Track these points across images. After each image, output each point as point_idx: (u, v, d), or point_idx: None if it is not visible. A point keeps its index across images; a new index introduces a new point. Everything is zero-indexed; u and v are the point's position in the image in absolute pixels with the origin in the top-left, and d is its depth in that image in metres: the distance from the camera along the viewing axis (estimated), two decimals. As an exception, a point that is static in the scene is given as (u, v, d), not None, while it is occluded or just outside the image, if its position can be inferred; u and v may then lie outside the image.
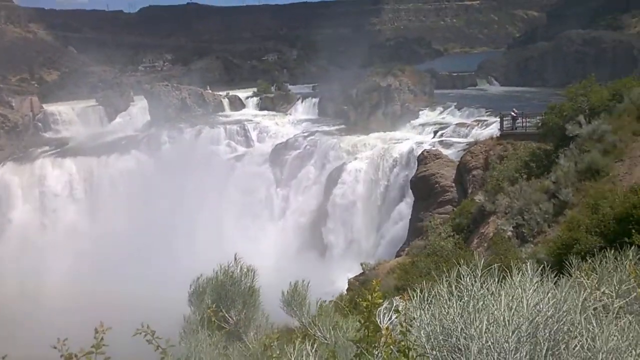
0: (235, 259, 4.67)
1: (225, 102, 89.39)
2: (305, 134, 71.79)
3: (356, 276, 16.45)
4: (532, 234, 11.02)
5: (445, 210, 24.29)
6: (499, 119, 28.20)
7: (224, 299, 4.47)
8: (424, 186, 26.24)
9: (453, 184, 25.87)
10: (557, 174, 12.41)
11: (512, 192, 12.86)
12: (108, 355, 3.50)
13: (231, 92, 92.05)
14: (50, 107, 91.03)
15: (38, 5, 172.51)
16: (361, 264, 14.63)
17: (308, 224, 60.87)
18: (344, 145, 64.78)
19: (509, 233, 12.32)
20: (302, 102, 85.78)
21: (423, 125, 66.60)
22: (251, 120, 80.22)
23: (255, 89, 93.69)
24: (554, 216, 9.64)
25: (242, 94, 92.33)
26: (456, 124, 60.49)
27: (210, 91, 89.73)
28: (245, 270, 4.59)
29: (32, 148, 78.79)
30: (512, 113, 27.87)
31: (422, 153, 30.27)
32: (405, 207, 48.03)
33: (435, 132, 60.89)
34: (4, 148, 76.26)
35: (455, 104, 71.91)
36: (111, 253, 57.21)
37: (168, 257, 52.64)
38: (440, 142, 55.89)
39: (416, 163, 34.37)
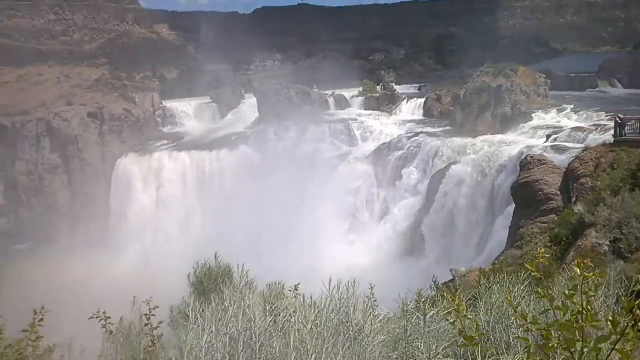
0: (215, 257, 5.12)
1: (331, 101, 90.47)
2: (410, 135, 70.89)
3: (445, 283, 15.96)
4: (630, 249, 10.05)
5: (548, 219, 22.77)
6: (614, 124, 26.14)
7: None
8: (525, 193, 24.83)
9: (558, 192, 24.20)
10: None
11: (613, 204, 11.83)
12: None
13: (337, 91, 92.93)
14: (169, 104, 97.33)
15: (162, 7, 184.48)
16: (451, 270, 14.15)
17: (408, 227, 60.10)
18: (449, 148, 63.16)
19: (605, 248, 11.33)
20: (407, 102, 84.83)
21: (535, 128, 63.14)
22: (355, 120, 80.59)
23: (361, 89, 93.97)
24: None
25: (347, 93, 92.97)
26: (572, 128, 56.71)
27: (316, 90, 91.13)
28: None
29: (152, 141, 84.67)
30: (617, 119, 25.61)
31: (525, 158, 28.66)
32: (511, 215, 45.99)
33: (549, 136, 57.50)
34: (127, 141, 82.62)
35: (572, 106, 67.51)
36: (217, 243, 60.02)
37: (268, 251, 54.38)
38: (553, 147, 52.72)
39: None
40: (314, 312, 4.15)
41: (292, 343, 3.62)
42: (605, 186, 14.22)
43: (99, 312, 5.49)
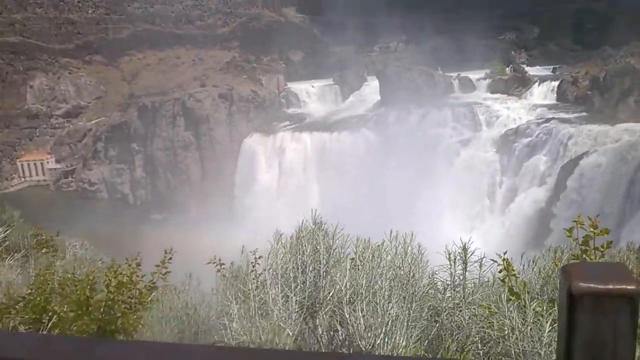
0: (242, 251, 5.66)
1: (456, 83, 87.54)
2: (540, 121, 66.74)
3: None
4: None
5: None
6: None
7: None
8: None
9: None
10: None
11: None
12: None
13: (462, 73, 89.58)
14: (293, 85, 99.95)
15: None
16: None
17: (533, 220, 56.96)
18: (584, 135, 58.57)
19: None
20: (539, 85, 79.55)
21: (688, 117, 56.69)
22: (481, 104, 77.36)
23: (488, 70, 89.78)
24: None
25: (473, 75, 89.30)
26: None
27: (441, 72, 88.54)
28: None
29: (276, 122, 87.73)
30: None
31: None
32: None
33: None
34: (253, 120, 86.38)
35: None
36: (331, 222, 61.25)
37: (383, 234, 54.30)
38: None
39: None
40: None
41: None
42: None
43: (215, 258, 7.17)
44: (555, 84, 77.01)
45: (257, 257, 6.03)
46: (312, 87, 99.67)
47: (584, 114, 66.46)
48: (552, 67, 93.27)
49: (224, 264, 6.65)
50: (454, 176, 65.63)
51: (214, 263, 7.06)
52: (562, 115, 67.42)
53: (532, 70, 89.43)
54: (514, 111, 73.22)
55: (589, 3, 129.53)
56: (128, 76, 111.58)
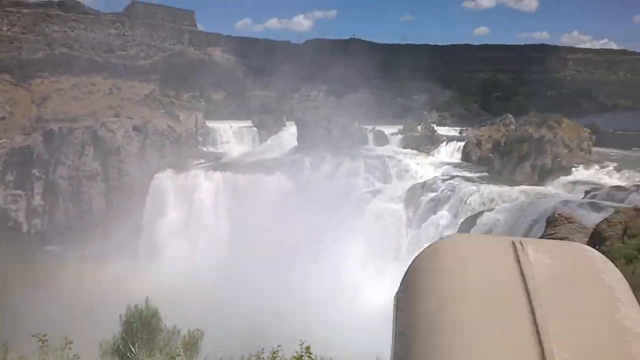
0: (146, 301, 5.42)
1: (370, 136, 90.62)
2: (445, 177, 70.09)
3: None
4: None
5: None
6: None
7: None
8: None
9: None
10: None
11: (625, 273, 11.24)
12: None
13: (377, 127, 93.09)
14: (211, 124, 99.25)
15: (218, 31, 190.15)
16: None
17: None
18: (483, 194, 62.13)
19: None
20: (446, 144, 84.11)
21: (574, 183, 61.65)
22: (392, 157, 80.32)
23: (401, 126, 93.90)
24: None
25: (387, 129, 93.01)
26: (612, 187, 54.96)
27: (357, 124, 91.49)
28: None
29: (190, 159, 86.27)
30: None
31: (552, 214, 27.85)
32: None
33: (587, 192, 55.89)
34: (167, 156, 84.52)
35: (615, 164, 65.69)
36: (241, 265, 60.48)
37: (289, 277, 54.33)
38: (591, 204, 51.06)
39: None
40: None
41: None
42: (619, 254, 13.60)
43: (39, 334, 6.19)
44: (461, 144, 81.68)
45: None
46: (231, 127, 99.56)
47: (485, 174, 70.68)
48: (459, 128, 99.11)
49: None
50: (362, 225, 67.03)
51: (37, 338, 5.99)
52: (466, 174, 71.31)
53: (441, 130, 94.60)
54: (423, 167, 76.59)
55: (495, 74, 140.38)
56: (38, 99, 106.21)
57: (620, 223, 21.71)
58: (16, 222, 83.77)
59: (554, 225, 26.99)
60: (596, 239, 22.68)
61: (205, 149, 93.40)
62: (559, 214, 28.00)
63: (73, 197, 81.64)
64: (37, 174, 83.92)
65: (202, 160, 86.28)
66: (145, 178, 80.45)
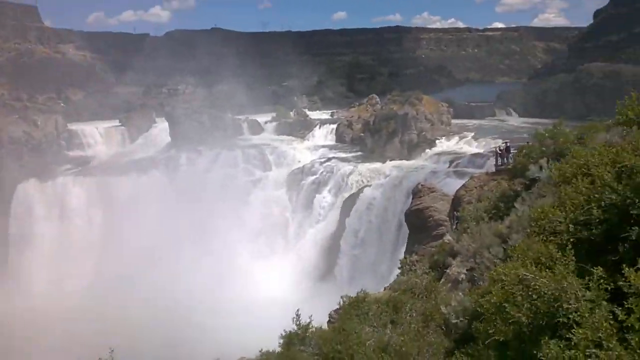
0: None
1: (245, 125, 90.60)
2: (322, 160, 72.36)
3: (336, 309, 16.70)
4: (482, 278, 11.06)
5: (437, 244, 24.08)
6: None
7: None
8: (417, 220, 26.22)
9: (447, 219, 25.86)
10: (511, 217, 12.43)
11: (473, 234, 12.91)
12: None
13: (250, 117, 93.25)
14: (74, 127, 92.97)
15: (68, 26, 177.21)
16: (341, 297, 14.82)
17: (322, 252, 61.00)
18: (360, 172, 65.16)
19: (462, 276, 12.32)
20: (319, 128, 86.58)
21: (439, 154, 66.70)
22: (269, 145, 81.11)
23: (274, 114, 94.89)
24: (503, 261, 9.67)
25: (261, 118, 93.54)
26: (472, 154, 60.42)
27: (230, 115, 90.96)
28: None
29: (55, 165, 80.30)
30: (497, 149, 27.57)
31: (416, 186, 30.40)
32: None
33: (451, 162, 60.91)
34: (27, 165, 77.95)
35: (472, 134, 72.01)
36: (123, 271, 58.17)
37: (177, 278, 53.41)
38: (456, 172, 55.84)
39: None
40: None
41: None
42: (470, 216, 15.35)
43: None
44: (334, 126, 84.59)
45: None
46: (97, 128, 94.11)
47: (360, 153, 73.99)
48: (330, 111, 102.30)
49: None
50: (246, 215, 67.27)
51: None
52: (341, 154, 74.15)
53: (313, 114, 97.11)
54: (300, 152, 78.22)
55: (357, 57, 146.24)
56: None
57: (476, 188, 24.22)
58: None
59: (419, 196, 29.34)
60: (456, 205, 25.14)
61: (71, 153, 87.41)
62: (422, 185, 30.46)
63: None
64: None
65: (69, 166, 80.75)
66: (7, 191, 73.50)
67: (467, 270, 12.12)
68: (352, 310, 13.67)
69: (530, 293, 6.37)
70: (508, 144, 26.57)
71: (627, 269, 5.67)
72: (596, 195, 7.00)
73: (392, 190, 58.01)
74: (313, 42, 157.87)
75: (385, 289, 17.46)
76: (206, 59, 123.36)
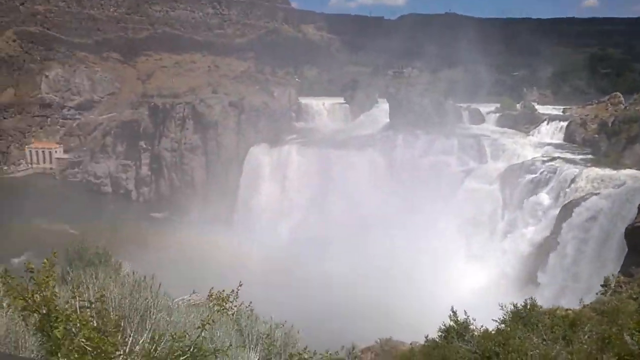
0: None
1: (465, 114, 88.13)
2: (545, 159, 66.96)
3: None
4: None
5: None
6: None
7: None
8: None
9: None
10: None
11: None
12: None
13: (473, 105, 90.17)
14: (305, 100, 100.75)
15: (312, 8, 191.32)
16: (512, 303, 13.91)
17: (529, 254, 56.92)
18: (587, 178, 58.63)
19: None
20: (547, 124, 79.88)
21: (691, 167, 56.77)
22: (488, 136, 77.73)
23: (498, 105, 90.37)
24: None
25: (483, 108, 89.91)
26: None
27: (451, 101, 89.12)
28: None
29: (284, 134, 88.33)
30: None
31: None
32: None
33: None
34: (262, 131, 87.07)
35: None
36: (330, 237, 61.58)
37: (379, 252, 54.62)
38: None
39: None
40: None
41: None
42: None
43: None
44: (564, 124, 77.35)
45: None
46: (323, 104, 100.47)
47: (590, 156, 66.63)
48: (562, 107, 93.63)
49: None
50: (455, 205, 65.67)
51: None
52: (568, 155, 67.63)
53: (542, 109, 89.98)
54: (521, 146, 73.47)
55: (605, 49, 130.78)
56: (143, 76, 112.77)
57: None
58: (126, 189, 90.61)
59: None
60: None
61: (298, 124, 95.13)
62: None
63: (176, 168, 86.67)
64: (144, 145, 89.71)
65: (295, 136, 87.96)
66: (242, 152, 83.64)
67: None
68: (517, 317, 12.69)
69: None
70: None
71: None
72: None
73: (624, 203, 50.97)
74: (554, 30, 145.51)
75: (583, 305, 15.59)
76: (436, 43, 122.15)
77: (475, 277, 55.24)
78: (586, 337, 11.47)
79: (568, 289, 46.96)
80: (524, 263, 56.60)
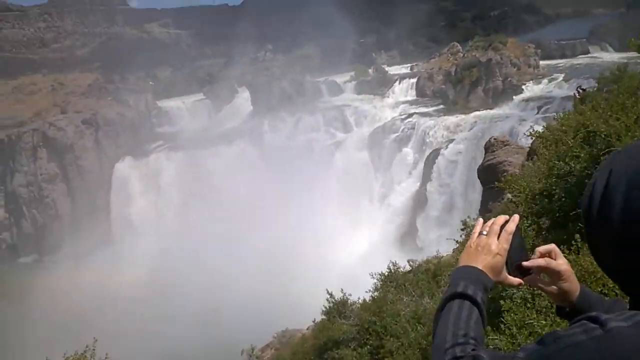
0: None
1: (323, 87, 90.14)
2: (403, 117, 70.61)
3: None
4: None
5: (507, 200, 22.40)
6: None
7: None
8: (491, 175, 24.41)
9: None
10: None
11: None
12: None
13: (329, 78, 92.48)
14: (163, 103, 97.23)
15: (152, 5, 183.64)
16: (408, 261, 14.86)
17: (406, 209, 60.26)
18: (443, 126, 62.98)
19: None
20: (399, 83, 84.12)
21: (527, 100, 62.85)
22: (349, 105, 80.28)
23: (352, 73, 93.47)
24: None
25: (339, 78, 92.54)
26: (562, 98, 56.17)
27: (308, 78, 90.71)
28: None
29: (148, 143, 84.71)
30: (577, 90, 24.90)
31: (488, 140, 28.32)
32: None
33: (539, 108, 57.28)
34: (123, 144, 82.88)
35: (563, 75, 67.12)
36: (209, 239, 60.41)
37: (262, 243, 54.81)
38: (545, 119, 52.35)
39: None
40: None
41: None
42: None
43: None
44: (414, 81, 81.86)
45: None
46: (183, 103, 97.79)
47: (442, 106, 71.28)
48: (409, 65, 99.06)
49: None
50: (331, 178, 67.49)
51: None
52: (422, 109, 71.86)
53: (393, 70, 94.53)
54: (380, 110, 76.78)
55: (438, 3, 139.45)
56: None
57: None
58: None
59: (491, 151, 27.55)
60: (532, 157, 23.20)
61: (161, 129, 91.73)
62: (494, 139, 28.49)
63: (37, 204, 79.70)
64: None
65: (161, 142, 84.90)
66: (107, 170, 78.91)
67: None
68: (387, 281, 13.49)
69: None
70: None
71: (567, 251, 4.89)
72: (557, 162, 6.06)
73: (476, 143, 55.44)
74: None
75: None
76: (283, 22, 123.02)
77: (360, 244, 57.47)
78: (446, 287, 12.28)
79: (444, 236, 50.29)
80: (403, 219, 59.82)
